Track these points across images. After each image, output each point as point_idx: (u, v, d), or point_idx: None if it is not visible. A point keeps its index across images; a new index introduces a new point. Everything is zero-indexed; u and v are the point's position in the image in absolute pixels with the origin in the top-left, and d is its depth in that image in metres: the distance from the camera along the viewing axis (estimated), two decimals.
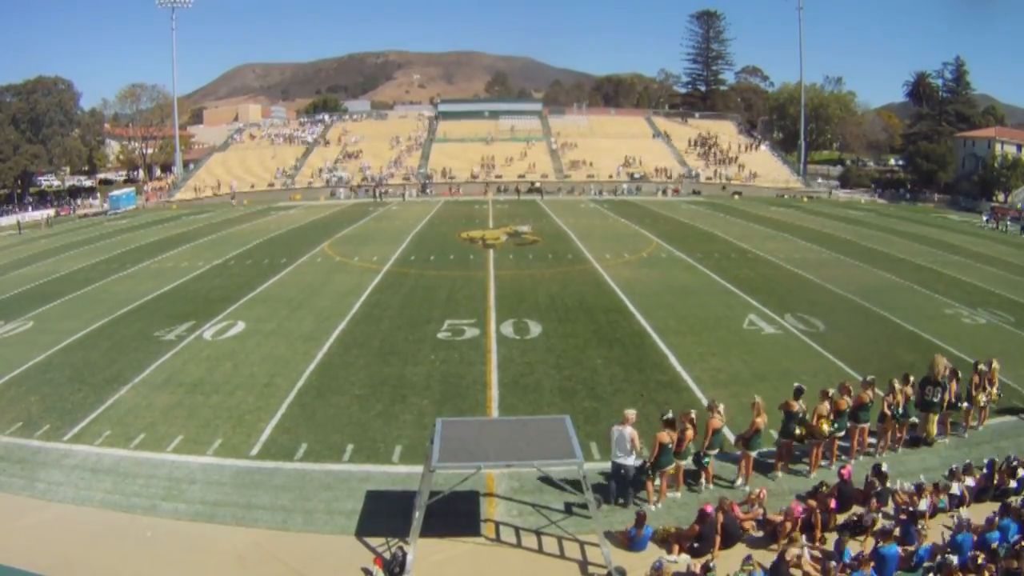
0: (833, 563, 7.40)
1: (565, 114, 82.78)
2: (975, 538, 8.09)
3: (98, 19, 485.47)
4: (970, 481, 9.57)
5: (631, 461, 9.24)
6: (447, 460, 8.06)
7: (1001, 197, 55.78)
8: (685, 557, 8.19)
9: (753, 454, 9.95)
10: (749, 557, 7.61)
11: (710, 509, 8.45)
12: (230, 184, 61.14)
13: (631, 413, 9.45)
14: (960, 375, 11.60)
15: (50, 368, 15.19)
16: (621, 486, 9.41)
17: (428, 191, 60.49)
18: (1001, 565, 7.32)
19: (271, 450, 11.15)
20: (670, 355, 15.46)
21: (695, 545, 8.32)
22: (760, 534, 8.68)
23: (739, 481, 9.97)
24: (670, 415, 9.65)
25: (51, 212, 56.59)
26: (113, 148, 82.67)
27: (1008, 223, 43.00)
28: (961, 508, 9.14)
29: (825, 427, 10.02)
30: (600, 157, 65.64)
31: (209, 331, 17.76)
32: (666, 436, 9.30)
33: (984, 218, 46.25)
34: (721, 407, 10.05)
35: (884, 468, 9.43)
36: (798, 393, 10.34)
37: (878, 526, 8.30)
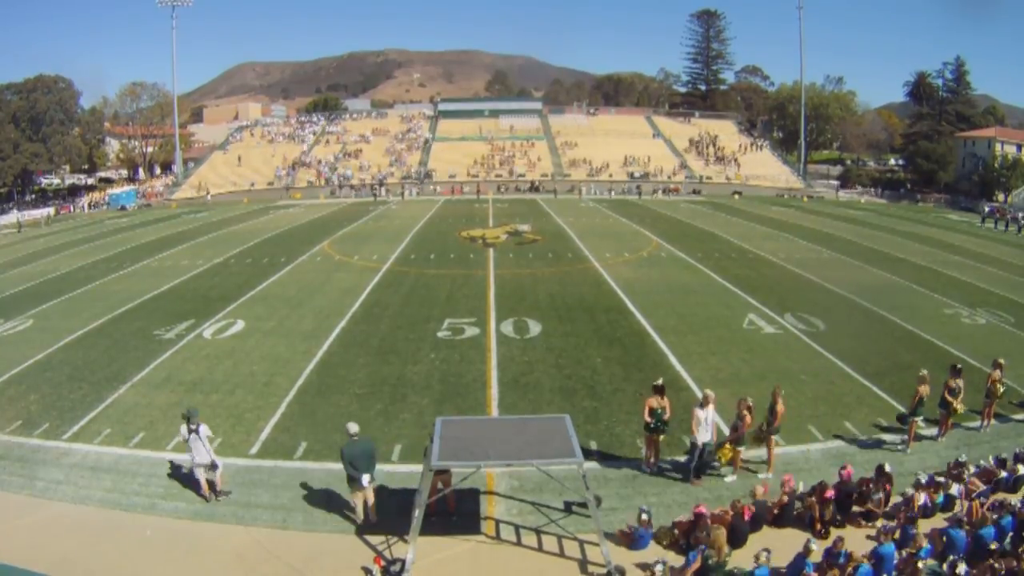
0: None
1: (565, 113, 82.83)
2: (968, 535, 8.12)
3: (98, 18, 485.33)
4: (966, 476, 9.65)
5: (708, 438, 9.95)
6: (447, 459, 8.06)
7: (1001, 197, 55.79)
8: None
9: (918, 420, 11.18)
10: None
11: (704, 510, 8.51)
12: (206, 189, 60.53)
13: (712, 394, 10.12)
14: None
15: (50, 367, 15.18)
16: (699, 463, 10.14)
17: (425, 183, 60.57)
18: (1002, 563, 7.32)
19: (271, 449, 11.16)
20: (670, 354, 15.47)
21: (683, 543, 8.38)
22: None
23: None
24: (659, 382, 10.54)
25: (51, 211, 56.53)
26: (113, 147, 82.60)
27: (1007, 222, 43.02)
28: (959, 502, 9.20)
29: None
30: (600, 156, 65.65)
31: (209, 330, 17.76)
32: (655, 402, 10.15)
33: (981, 217, 46.38)
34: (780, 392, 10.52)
35: (887, 468, 9.45)
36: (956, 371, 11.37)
37: (880, 523, 8.32)
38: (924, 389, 10.90)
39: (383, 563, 8.11)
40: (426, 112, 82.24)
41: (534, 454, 8.27)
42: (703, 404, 9.96)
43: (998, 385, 11.64)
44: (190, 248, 31.78)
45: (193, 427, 9.56)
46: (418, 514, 8.08)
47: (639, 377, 14.02)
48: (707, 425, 9.87)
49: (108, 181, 77.30)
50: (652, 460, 10.51)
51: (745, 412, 10.05)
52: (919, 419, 11.20)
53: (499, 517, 9.24)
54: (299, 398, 13.19)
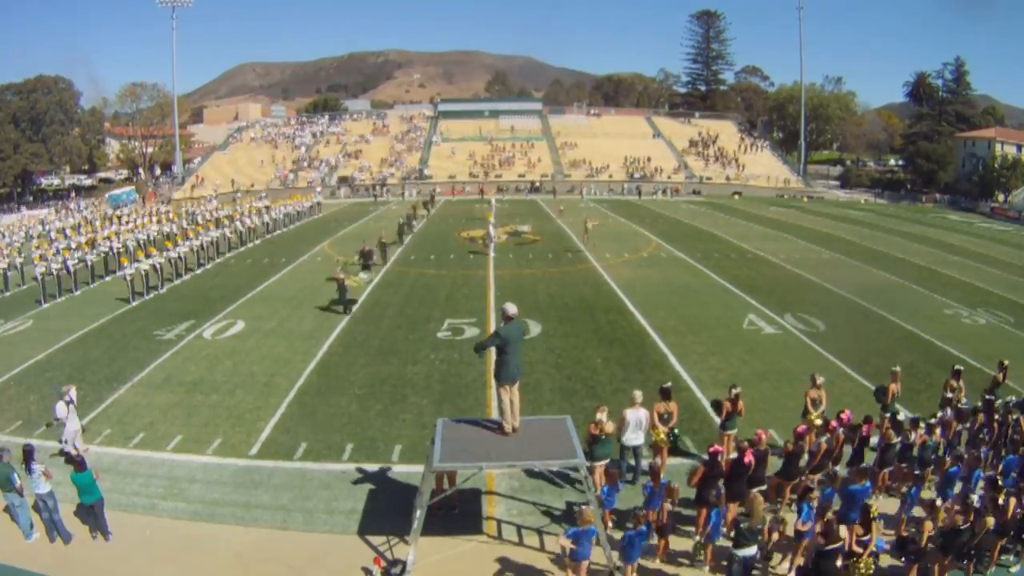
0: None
1: (565, 113, 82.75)
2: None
3: (98, 18, 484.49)
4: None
5: (641, 441, 9.95)
6: (449, 460, 8.05)
7: (1001, 197, 55.81)
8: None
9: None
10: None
11: (720, 449, 8.68)
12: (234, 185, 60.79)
13: (639, 395, 9.97)
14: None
15: (50, 367, 15.17)
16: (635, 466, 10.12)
17: (425, 182, 60.70)
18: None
19: (271, 449, 11.14)
20: (670, 355, 15.47)
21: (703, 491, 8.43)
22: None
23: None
24: (667, 385, 10.55)
25: (50, 211, 56.43)
26: (113, 147, 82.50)
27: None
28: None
29: None
30: (600, 157, 65.64)
31: (209, 330, 17.75)
32: (662, 407, 10.08)
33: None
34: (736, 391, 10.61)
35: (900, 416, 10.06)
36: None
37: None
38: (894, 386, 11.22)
39: (383, 564, 8.10)
40: (426, 113, 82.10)
41: (536, 455, 8.26)
42: (632, 406, 9.82)
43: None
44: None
45: (68, 400, 9.99)
46: (419, 515, 8.07)
47: (639, 377, 14.01)
48: (638, 427, 9.84)
49: (108, 181, 77.23)
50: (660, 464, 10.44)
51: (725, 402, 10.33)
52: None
53: (500, 517, 9.23)
54: (299, 398, 13.19)
